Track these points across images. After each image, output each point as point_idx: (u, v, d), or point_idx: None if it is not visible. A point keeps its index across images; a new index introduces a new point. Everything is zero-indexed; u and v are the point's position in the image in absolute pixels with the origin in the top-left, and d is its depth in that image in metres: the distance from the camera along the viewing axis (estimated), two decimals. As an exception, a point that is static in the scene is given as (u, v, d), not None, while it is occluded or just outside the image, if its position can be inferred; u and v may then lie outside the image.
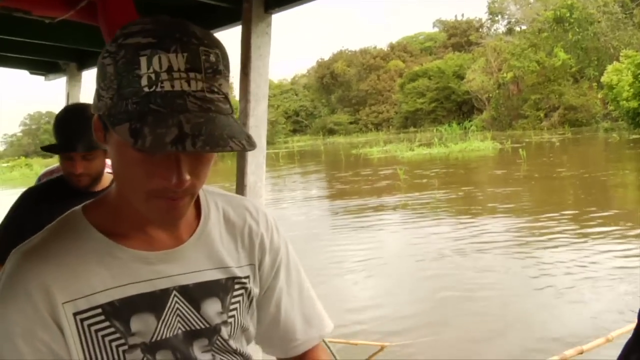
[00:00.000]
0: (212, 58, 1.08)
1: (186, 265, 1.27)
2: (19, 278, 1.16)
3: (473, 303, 7.71)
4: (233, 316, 1.33)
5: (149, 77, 1.03)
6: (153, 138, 0.99)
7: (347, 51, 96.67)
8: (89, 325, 1.17)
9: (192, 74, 1.05)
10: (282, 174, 29.94)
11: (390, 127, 79.49)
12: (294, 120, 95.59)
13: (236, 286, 1.34)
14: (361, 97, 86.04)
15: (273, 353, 1.55)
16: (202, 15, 3.31)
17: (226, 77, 1.12)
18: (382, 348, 6.38)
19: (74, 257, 1.19)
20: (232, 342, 1.32)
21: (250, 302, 1.39)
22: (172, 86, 1.03)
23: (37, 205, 2.85)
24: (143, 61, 1.04)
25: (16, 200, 2.96)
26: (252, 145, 1.06)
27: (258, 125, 2.89)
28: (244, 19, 2.97)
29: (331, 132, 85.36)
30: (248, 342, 1.41)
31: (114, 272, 1.20)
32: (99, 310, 1.17)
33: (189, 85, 1.04)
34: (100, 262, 1.20)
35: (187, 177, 1.09)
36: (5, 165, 73.69)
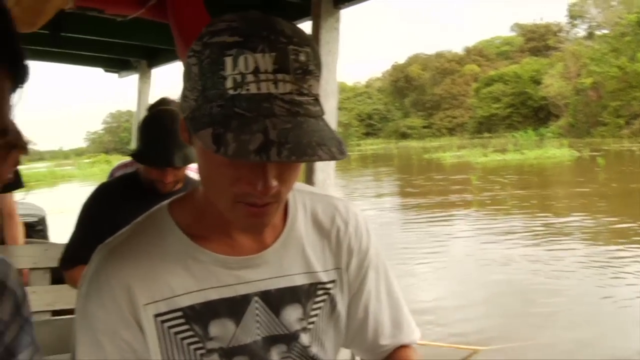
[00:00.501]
0: (302, 57, 1.01)
1: (269, 271, 1.24)
2: (104, 276, 1.16)
3: (555, 311, 7.56)
4: (314, 322, 1.29)
5: (234, 79, 0.97)
6: (237, 145, 0.93)
7: (422, 55, 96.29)
8: (169, 328, 1.17)
9: (280, 76, 0.97)
10: (353, 175, 30.13)
11: (464, 132, 78.64)
12: (367, 123, 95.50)
13: (319, 292, 1.30)
14: (435, 101, 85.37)
15: (362, 356, 1.49)
16: (272, 11, 3.44)
17: (317, 77, 1.04)
18: (474, 352, 6.27)
19: (157, 258, 1.18)
20: (311, 349, 1.29)
21: (334, 308, 1.33)
22: (259, 88, 0.97)
23: (113, 203, 2.77)
24: (228, 62, 0.98)
25: (90, 197, 2.89)
26: (342, 153, 0.98)
27: (327, 122, 2.94)
28: (313, 14, 2.92)
29: (404, 136, 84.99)
30: (331, 348, 1.36)
31: (196, 276, 1.18)
32: (180, 314, 1.17)
33: (277, 87, 0.97)
34: (182, 265, 1.18)
35: (274, 183, 1.03)
36: (86, 161, 76.49)
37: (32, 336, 1.12)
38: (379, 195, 21.52)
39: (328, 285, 1.31)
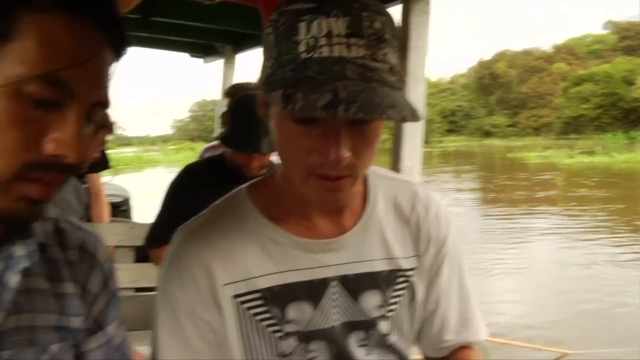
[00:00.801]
0: (377, 25, 0.99)
1: (348, 255, 1.22)
2: (184, 257, 1.18)
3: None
4: (393, 310, 1.27)
5: (307, 43, 0.97)
6: (304, 103, 0.92)
7: (509, 52, 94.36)
8: (247, 309, 1.17)
9: (353, 39, 0.96)
10: (434, 172, 29.88)
11: (550, 132, 76.58)
12: (449, 120, 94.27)
13: (399, 279, 1.27)
14: (521, 100, 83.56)
15: (424, 349, 1.45)
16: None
17: (393, 47, 1.02)
18: (563, 355, 6.10)
19: (237, 239, 1.19)
20: (390, 338, 1.27)
21: (413, 296, 1.30)
22: (331, 52, 0.96)
23: (198, 184, 2.79)
24: (302, 27, 0.98)
25: (176, 177, 2.92)
26: (416, 117, 0.96)
27: (413, 128, 2.82)
28: None
29: (487, 134, 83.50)
30: (409, 338, 1.33)
31: (275, 258, 1.18)
32: (258, 295, 1.17)
33: (349, 51, 0.96)
34: (261, 246, 1.18)
35: (347, 153, 1.00)
36: (172, 147, 78.26)
37: (119, 310, 1.14)
38: (458, 190, 21.39)
39: (408, 273, 1.28)
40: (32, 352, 0.93)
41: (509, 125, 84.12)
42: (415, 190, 1.33)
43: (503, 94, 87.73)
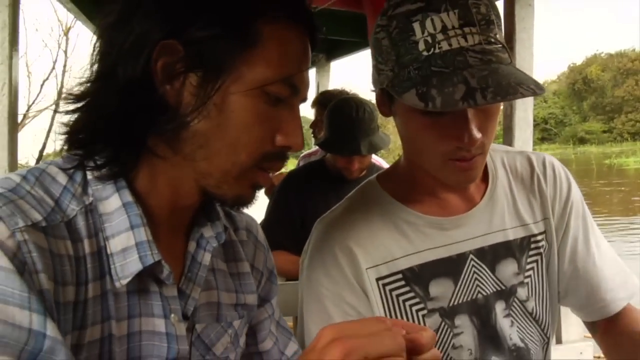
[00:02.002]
0: (483, 9, 1.05)
1: (480, 228, 1.26)
2: (327, 245, 1.23)
3: None
4: (529, 276, 1.30)
5: (426, 41, 1.03)
6: (442, 98, 0.98)
7: (601, 55, 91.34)
8: (391, 290, 1.21)
9: (467, 29, 1.03)
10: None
11: (649, 136, 73.71)
12: (542, 128, 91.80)
13: (532, 245, 1.30)
14: (616, 104, 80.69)
15: (583, 316, 1.44)
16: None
17: (499, 26, 1.08)
18: None
19: (374, 224, 1.24)
20: (529, 304, 1.28)
21: (548, 260, 1.33)
22: (450, 45, 1.03)
23: (301, 189, 2.85)
24: (416, 26, 1.04)
25: (280, 184, 2.97)
26: (541, 89, 1.01)
27: (524, 100, 2.77)
28: None
29: (582, 141, 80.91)
30: (549, 304, 1.34)
31: (411, 238, 1.23)
32: (400, 276, 1.21)
33: (466, 40, 1.03)
34: (397, 229, 1.23)
35: (478, 134, 1.07)
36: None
37: (277, 287, 1.22)
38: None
39: (539, 237, 1.32)
40: (219, 327, 1.02)
41: (605, 131, 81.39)
42: (529, 157, 1.37)
43: (596, 99, 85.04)
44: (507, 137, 2.83)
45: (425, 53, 1.04)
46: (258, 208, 1.09)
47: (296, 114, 0.92)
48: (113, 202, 0.84)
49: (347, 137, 2.66)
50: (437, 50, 1.03)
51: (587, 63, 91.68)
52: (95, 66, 0.86)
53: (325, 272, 1.21)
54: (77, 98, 0.87)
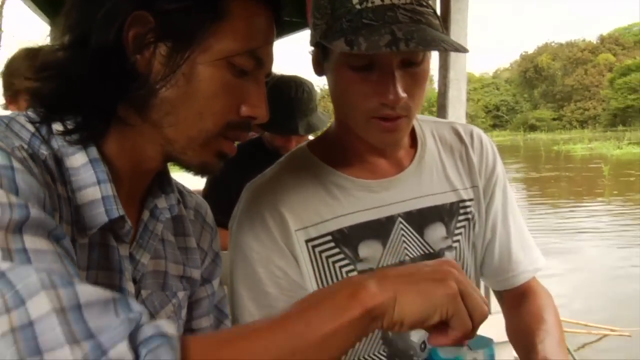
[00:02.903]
0: None
1: (409, 192, 1.28)
2: (255, 208, 1.24)
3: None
4: (458, 241, 1.32)
5: None
6: (368, 44, 1.02)
7: (552, 44, 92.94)
8: (320, 252, 1.22)
9: None
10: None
11: (597, 124, 75.25)
12: (494, 114, 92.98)
13: (461, 210, 1.33)
14: (566, 93, 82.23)
15: (491, 284, 1.50)
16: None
17: None
18: (611, 331, 6.01)
19: (303, 187, 1.25)
20: None
21: (474, 226, 1.36)
22: (382, 0, 1.07)
23: (240, 166, 2.66)
24: None
25: None
26: (464, 50, 1.08)
27: (458, 79, 2.85)
28: None
29: (532, 128, 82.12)
30: (473, 271, 1.38)
31: (341, 201, 1.24)
32: (329, 237, 1.22)
33: None
34: (327, 192, 1.25)
35: (403, 94, 1.09)
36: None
37: (221, 269, 1.23)
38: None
39: (468, 204, 1.34)
40: (164, 296, 1.05)
41: (554, 119, 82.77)
42: (456, 128, 1.41)
43: (547, 87, 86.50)
44: (441, 114, 2.90)
45: (358, 6, 1.07)
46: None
47: (261, 87, 0.96)
48: (79, 158, 0.86)
49: (286, 117, 2.68)
50: (369, 5, 1.07)
51: (538, 52, 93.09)
52: (67, 36, 0.89)
53: (254, 236, 1.22)
54: (47, 66, 0.89)
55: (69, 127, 0.86)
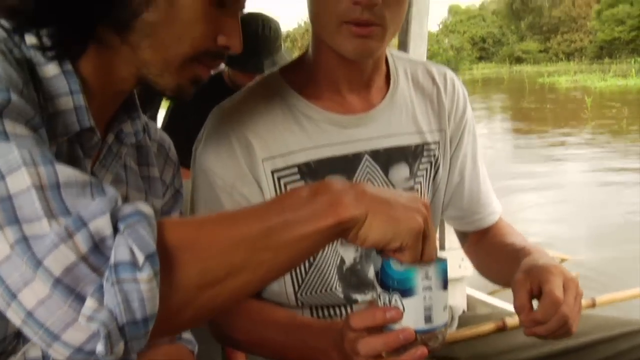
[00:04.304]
0: None
1: (378, 130, 1.30)
2: (223, 133, 1.24)
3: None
4: (419, 183, 1.35)
5: None
6: None
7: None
8: (286, 183, 1.24)
9: None
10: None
11: (583, 57, 74.97)
12: (480, 47, 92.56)
13: (425, 153, 1.35)
14: (553, 25, 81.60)
15: (456, 225, 1.56)
16: None
17: None
18: (562, 260, 5.89)
19: (273, 115, 1.25)
20: None
21: (437, 169, 1.38)
22: None
23: (197, 103, 2.87)
24: None
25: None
26: None
27: (420, 15, 2.80)
28: None
29: (518, 60, 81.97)
30: (434, 213, 1.40)
31: (310, 133, 1.25)
32: (295, 169, 1.24)
33: None
34: (296, 122, 1.25)
35: None
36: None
37: (181, 205, 1.26)
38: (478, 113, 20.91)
39: (432, 147, 1.36)
40: None
41: (541, 51, 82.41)
42: (430, 69, 1.42)
43: (534, 19, 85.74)
44: (402, 51, 2.84)
45: None
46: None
47: (236, 19, 0.99)
48: (52, 69, 0.87)
49: (251, 55, 2.65)
50: None
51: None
52: None
53: (219, 161, 1.23)
54: None
55: (46, 43, 0.86)
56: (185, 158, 1.29)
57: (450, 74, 1.44)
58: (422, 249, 0.86)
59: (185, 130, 2.41)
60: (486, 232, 1.49)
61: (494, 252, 1.44)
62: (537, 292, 1.13)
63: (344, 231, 0.81)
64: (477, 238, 1.51)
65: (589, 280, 4.99)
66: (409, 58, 1.44)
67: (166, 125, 2.87)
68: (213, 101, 2.69)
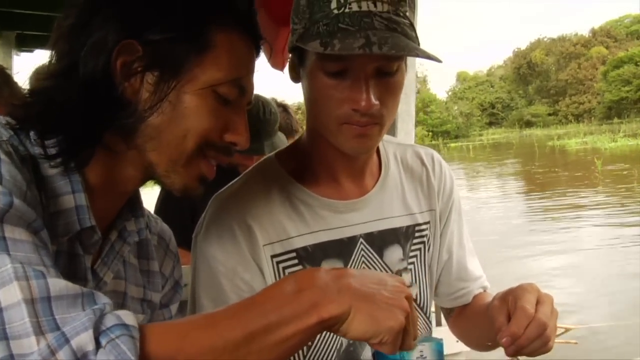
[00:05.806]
0: None
1: (371, 214, 1.32)
2: (224, 219, 1.25)
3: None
4: (413, 263, 1.37)
5: (338, 1, 1.11)
6: (341, 45, 1.06)
7: (545, 39, 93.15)
8: (284, 268, 1.25)
9: None
10: (467, 164, 29.64)
11: (592, 118, 75.24)
12: (489, 112, 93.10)
13: (416, 234, 1.38)
14: (560, 87, 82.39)
15: (443, 302, 1.56)
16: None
17: (412, 7, 1.18)
18: (566, 330, 6.04)
19: (271, 201, 1.27)
20: (413, 291, 1.36)
21: (429, 248, 1.41)
22: (360, 7, 1.10)
23: None
24: None
25: None
26: (438, 60, 1.13)
27: (407, 94, 2.66)
28: None
29: (528, 124, 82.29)
30: (429, 292, 1.43)
31: (307, 219, 1.27)
32: (294, 254, 1.25)
33: (375, 6, 1.11)
34: (294, 208, 1.27)
35: (375, 101, 1.12)
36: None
37: (180, 295, 1.29)
38: (474, 183, 20.98)
39: (423, 227, 1.40)
40: None
41: (550, 114, 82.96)
42: (418, 151, 1.46)
43: (541, 82, 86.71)
44: (390, 128, 2.81)
45: (335, 11, 1.11)
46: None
47: (243, 115, 1.02)
48: (55, 168, 0.89)
49: (253, 137, 2.58)
50: (347, 10, 1.10)
51: (531, 47, 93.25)
52: (55, 66, 0.92)
53: (221, 247, 1.23)
54: (34, 93, 0.92)
55: (52, 152, 0.88)
56: (178, 236, 1.32)
57: (437, 155, 1.48)
58: (403, 341, 0.88)
59: (179, 209, 2.42)
60: (470, 303, 1.51)
61: (474, 317, 1.46)
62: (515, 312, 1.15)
63: (327, 327, 0.83)
64: (460, 309, 1.53)
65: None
66: (398, 142, 1.50)
67: (161, 204, 2.85)
68: (210, 181, 2.78)
